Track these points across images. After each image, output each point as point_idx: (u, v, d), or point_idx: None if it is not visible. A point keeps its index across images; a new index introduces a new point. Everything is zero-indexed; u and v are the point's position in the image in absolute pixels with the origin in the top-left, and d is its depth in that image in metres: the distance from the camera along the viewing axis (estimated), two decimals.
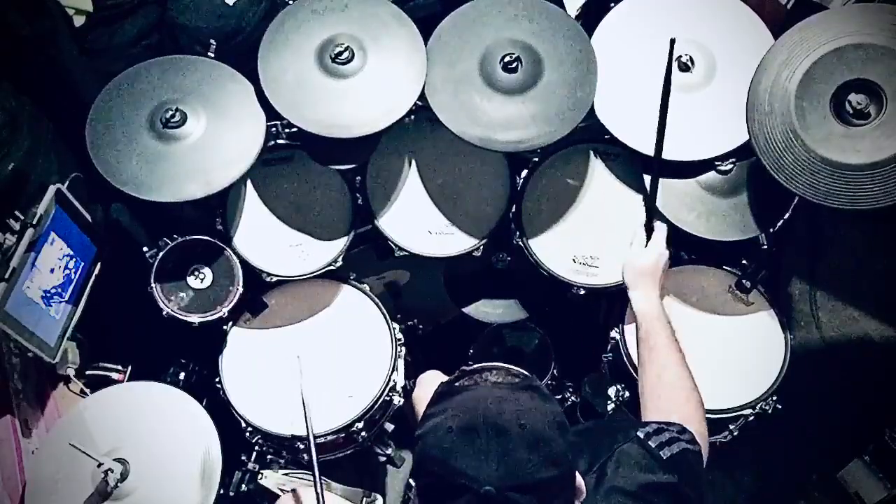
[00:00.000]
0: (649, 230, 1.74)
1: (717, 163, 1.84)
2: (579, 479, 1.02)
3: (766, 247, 1.89)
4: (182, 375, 2.17)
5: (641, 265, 1.66)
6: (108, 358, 2.06)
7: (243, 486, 1.92)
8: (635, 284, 1.64)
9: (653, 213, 1.75)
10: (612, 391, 2.03)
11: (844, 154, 1.51)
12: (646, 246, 1.71)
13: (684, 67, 1.82)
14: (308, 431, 1.61)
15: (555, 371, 2.45)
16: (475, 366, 1.07)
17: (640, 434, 1.22)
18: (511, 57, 1.77)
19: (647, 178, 1.91)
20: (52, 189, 1.78)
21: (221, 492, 1.78)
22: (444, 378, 2.09)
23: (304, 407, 1.66)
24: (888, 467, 2.25)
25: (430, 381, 2.06)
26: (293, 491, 1.71)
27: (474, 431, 0.95)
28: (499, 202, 2.07)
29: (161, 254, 1.93)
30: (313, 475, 1.49)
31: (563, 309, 2.25)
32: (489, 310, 2.34)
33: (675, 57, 1.81)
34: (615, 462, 1.17)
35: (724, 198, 1.86)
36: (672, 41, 1.69)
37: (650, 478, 1.15)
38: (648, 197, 1.72)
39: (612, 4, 1.90)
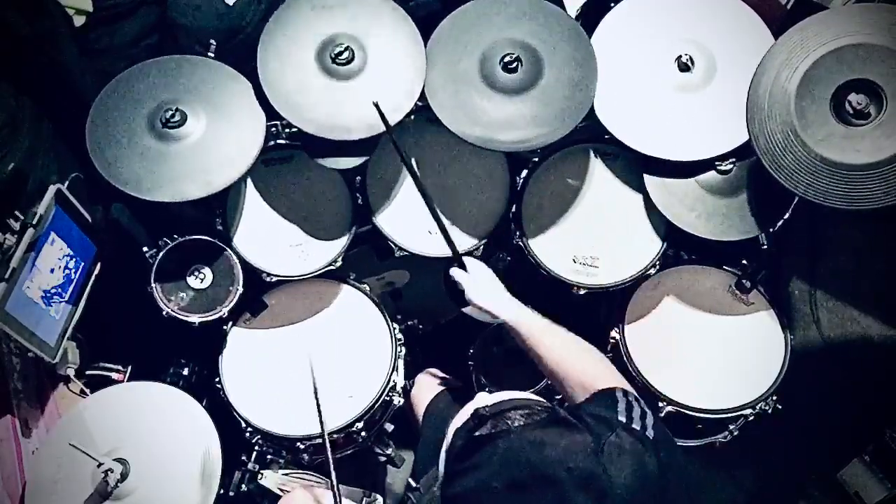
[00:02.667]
0: (460, 262, 1.69)
1: (717, 163, 1.84)
2: None
3: (766, 247, 1.90)
4: (182, 375, 2.17)
5: (481, 291, 1.63)
6: (108, 358, 2.06)
7: (243, 486, 1.92)
8: (491, 305, 1.61)
9: (454, 248, 1.69)
10: None
11: (844, 154, 1.51)
12: (469, 275, 1.67)
13: (684, 67, 1.82)
14: (322, 430, 1.60)
15: None
16: (490, 406, 1.02)
17: (622, 418, 1.14)
18: (511, 57, 1.77)
19: (649, 178, 1.91)
20: (52, 189, 1.78)
21: (221, 492, 1.78)
22: (443, 376, 2.09)
23: (318, 406, 1.63)
24: (888, 467, 2.25)
25: (429, 382, 2.07)
26: (293, 491, 1.71)
27: (524, 488, 0.91)
28: (499, 202, 2.07)
29: (161, 254, 1.93)
30: (329, 476, 1.48)
31: (563, 309, 2.25)
32: None
33: (676, 57, 1.81)
34: (607, 456, 1.12)
35: (724, 198, 1.86)
36: (375, 103, 1.64)
37: (646, 464, 1.08)
38: (448, 243, 1.68)
39: (612, 4, 1.90)
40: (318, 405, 1.64)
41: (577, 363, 1.39)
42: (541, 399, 1.03)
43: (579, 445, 0.96)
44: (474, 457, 0.96)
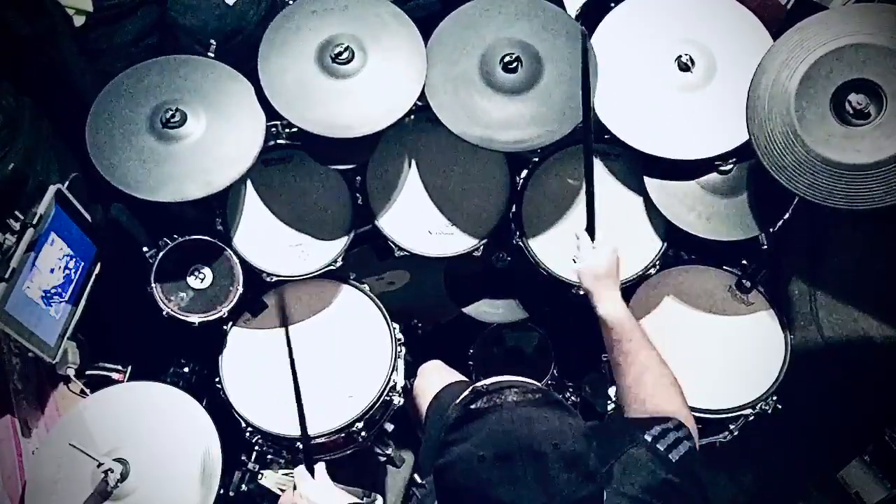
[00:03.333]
0: (592, 230, 1.63)
1: (717, 163, 1.84)
2: None
3: (766, 247, 1.89)
4: (182, 375, 2.17)
5: (597, 269, 1.56)
6: (108, 358, 2.06)
7: (243, 486, 1.92)
8: (596, 290, 1.54)
9: (593, 214, 1.63)
10: (612, 391, 2.03)
11: (844, 154, 1.51)
12: (594, 247, 1.61)
13: (684, 67, 1.82)
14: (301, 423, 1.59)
15: (555, 371, 2.45)
16: (489, 384, 1.04)
17: (648, 438, 1.20)
18: (511, 57, 1.77)
19: (649, 178, 1.92)
20: (52, 189, 1.78)
21: (221, 492, 1.78)
22: (446, 368, 2.08)
23: (298, 394, 1.61)
24: (888, 467, 2.25)
25: (432, 373, 2.06)
26: (294, 491, 1.71)
27: (510, 459, 0.92)
28: (499, 202, 2.07)
29: (161, 254, 1.93)
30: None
31: (563, 309, 2.25)
32: (489, 310, 2.33)
33: (676, 57, 1.82)
34: (622, 465, 1.16)
35: (724, 198, 1.86)
36: (584, 35, 1.57)
37: (658, 483, 1.15)
38: (588, 199, 1.61)
39: (612, 4, 1.90)
40: (298, 390, 1.61)
41: (653, 392, 1.39)
42: (538, 383, 1.04)
43: (571, 427, 0.97)
44: (466, 428, 0.98)
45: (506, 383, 1.03)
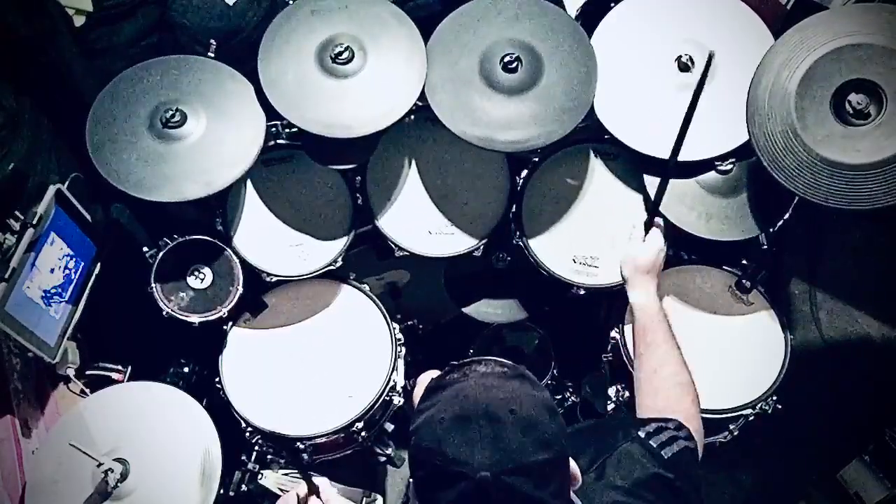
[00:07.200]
0: (649, 226, 1.74)
1: (717, 163, 1.84)
2: (573, 464, 1.02)
3: (766, 247, 1.89)
4: (182, 375, 2.17)
5: (640, 261, 1.65)
6: (108, 358, 2.06)
7: (243, 486, 1.92)
8: (634, 280, 1.64)
9: (656, 210, 1.75)
10: (612, 391, 2.03)
11: (844, 154, 1.51)
12: (644, 241, 1.70)
13: (684, 67, 1.82)
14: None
15: (555, 371, 2.45)
16: (464, 360, 1.07)
17: (641, 434, 1.22)
18: (511, 57, 1.77)
19: (649, 178, 1.92)
20: (52, 189, 1.78)
21: (221, 492, 1.78)
22: None
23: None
24: (888, 467, 2.25)
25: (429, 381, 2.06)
26: (293, 490, 1.72)
27: (466, 419, 0.95)
28: (499, 202, 2.07)
29: (161, 254, 1.93)
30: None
31: (563, 309, 2.25)
32: (489, 310, 2.33)
33: (676, 57, 1.82)
34: (616, 460, 1.18)
35: (724, 198, 1.86)
36: (711, 55, 1.62)
37: (649, 476, 1.16)
38: (656, 195, 1.73)
39: (612, 4, 1.90)
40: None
41: (667, 388, 1.44)
42: (515, 364, 1.06)
43: (533, 398, 0.99)
44: (435, 396, 1.02)
45: (480, 359, 1.06)
